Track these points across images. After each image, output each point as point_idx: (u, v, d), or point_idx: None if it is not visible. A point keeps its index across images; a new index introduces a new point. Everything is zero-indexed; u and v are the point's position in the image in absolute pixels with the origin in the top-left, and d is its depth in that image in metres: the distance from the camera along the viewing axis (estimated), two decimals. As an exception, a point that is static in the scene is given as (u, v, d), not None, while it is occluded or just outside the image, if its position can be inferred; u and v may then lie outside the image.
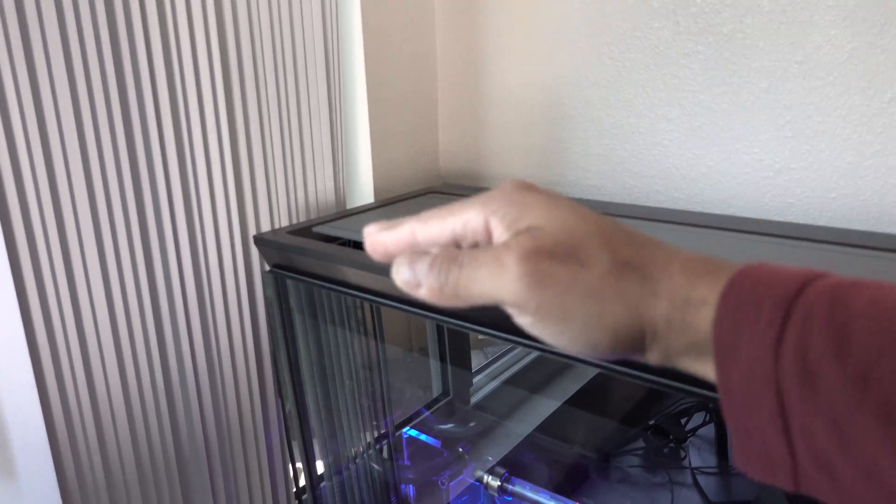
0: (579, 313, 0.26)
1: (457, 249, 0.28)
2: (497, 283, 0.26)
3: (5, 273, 0.60)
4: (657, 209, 0.83)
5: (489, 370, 1.03)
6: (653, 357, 0.27)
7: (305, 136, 0.83)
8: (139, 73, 0.66)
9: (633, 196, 0.86)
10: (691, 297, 0.25)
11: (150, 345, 0.73)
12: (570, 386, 0.92)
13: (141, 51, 0.66)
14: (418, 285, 0.28)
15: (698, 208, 0.81)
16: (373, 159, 0.93)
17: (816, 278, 0.24)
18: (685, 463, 0.79)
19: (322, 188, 0.87)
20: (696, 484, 0.76)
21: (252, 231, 0.80)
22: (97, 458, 0.70)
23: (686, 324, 0.25)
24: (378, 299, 0.64)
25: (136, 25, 0.65)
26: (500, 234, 0.27)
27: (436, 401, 1.00)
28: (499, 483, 0.83)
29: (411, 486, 0.91)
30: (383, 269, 0.62)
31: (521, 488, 0.82)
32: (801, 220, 0.73)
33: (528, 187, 0.29)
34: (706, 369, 0.26)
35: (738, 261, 0.26)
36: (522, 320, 0.27)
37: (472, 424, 0.97)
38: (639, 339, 0.26)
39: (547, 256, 0.26)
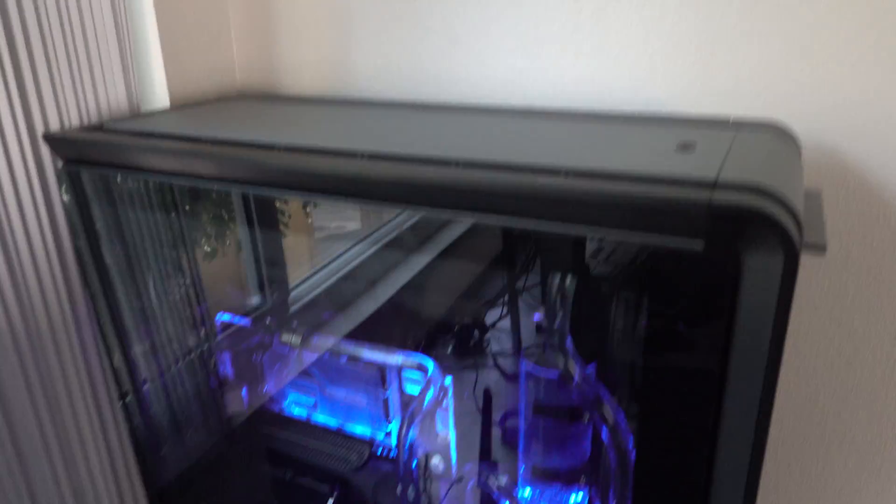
0: None
1: None
2: None
3: None
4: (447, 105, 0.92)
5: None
6: None
7: (88, 31, 0.83)
8: None
9: (423, 96, 0.96)
10: None
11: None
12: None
13: None
14: None
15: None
16: (166, 68, 0.94)
17: None
18: (488, 350, 0.94)
19: (113, 91, 0.88)
20: (497, 364, 0.93)
21: (41, 132, 0.80)
22: None
23: None
24: (183, 181, 0.70)
25: None
26: None
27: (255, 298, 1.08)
28: (300, 339, 0.94)
29: (229, 367, 1.00)
30: (186, 153, 0.67)
31: (324, 341, 0.94)
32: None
33: None
34: None
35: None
36: None
37: (285, 309, 1.06)
38: None
39: None
